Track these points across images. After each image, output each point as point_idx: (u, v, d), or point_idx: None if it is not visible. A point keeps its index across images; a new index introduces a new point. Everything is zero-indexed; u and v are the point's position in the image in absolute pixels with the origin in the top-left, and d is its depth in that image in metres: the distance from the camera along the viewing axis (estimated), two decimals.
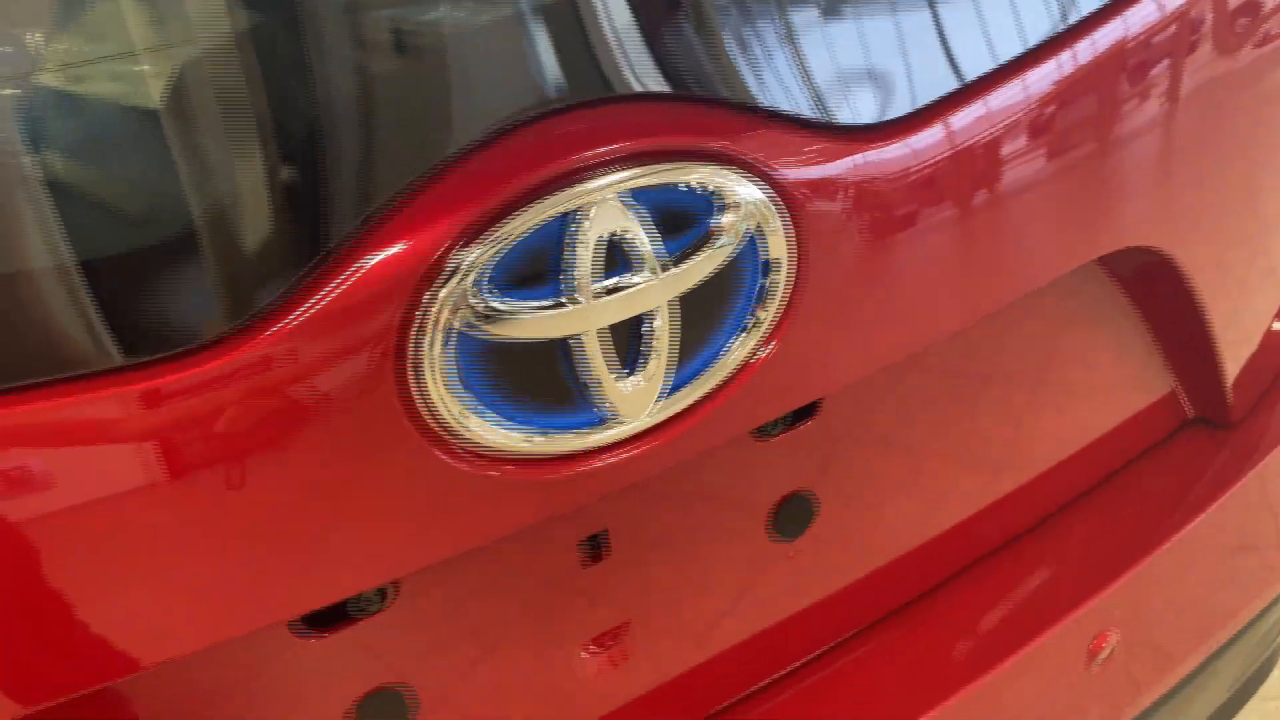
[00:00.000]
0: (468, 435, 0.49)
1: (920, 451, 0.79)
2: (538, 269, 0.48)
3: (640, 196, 0.48)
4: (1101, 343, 0.86)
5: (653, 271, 0.49)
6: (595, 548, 0.67)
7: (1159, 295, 0.83)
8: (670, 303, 0.50)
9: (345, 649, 0.60)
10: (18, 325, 0.41)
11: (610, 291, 0.49)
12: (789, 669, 0.78)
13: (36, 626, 0.45)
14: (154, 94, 0.41)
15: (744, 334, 0.53)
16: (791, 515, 0.74)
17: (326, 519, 0.48)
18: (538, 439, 0.51)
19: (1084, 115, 0.63)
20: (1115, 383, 0.89)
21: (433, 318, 0.46)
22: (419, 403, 0.47)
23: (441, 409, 0.48)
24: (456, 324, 0.46)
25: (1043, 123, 0.62)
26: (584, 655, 0.69)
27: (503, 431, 0.49)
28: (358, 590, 0.53)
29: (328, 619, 0.59)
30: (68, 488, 0.42)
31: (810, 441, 0.72)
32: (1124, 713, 0.93)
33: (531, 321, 0.48)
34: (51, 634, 0.45)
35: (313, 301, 0.44)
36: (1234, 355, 0.92)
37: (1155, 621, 0.93)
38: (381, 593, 0.60)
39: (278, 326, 0.44)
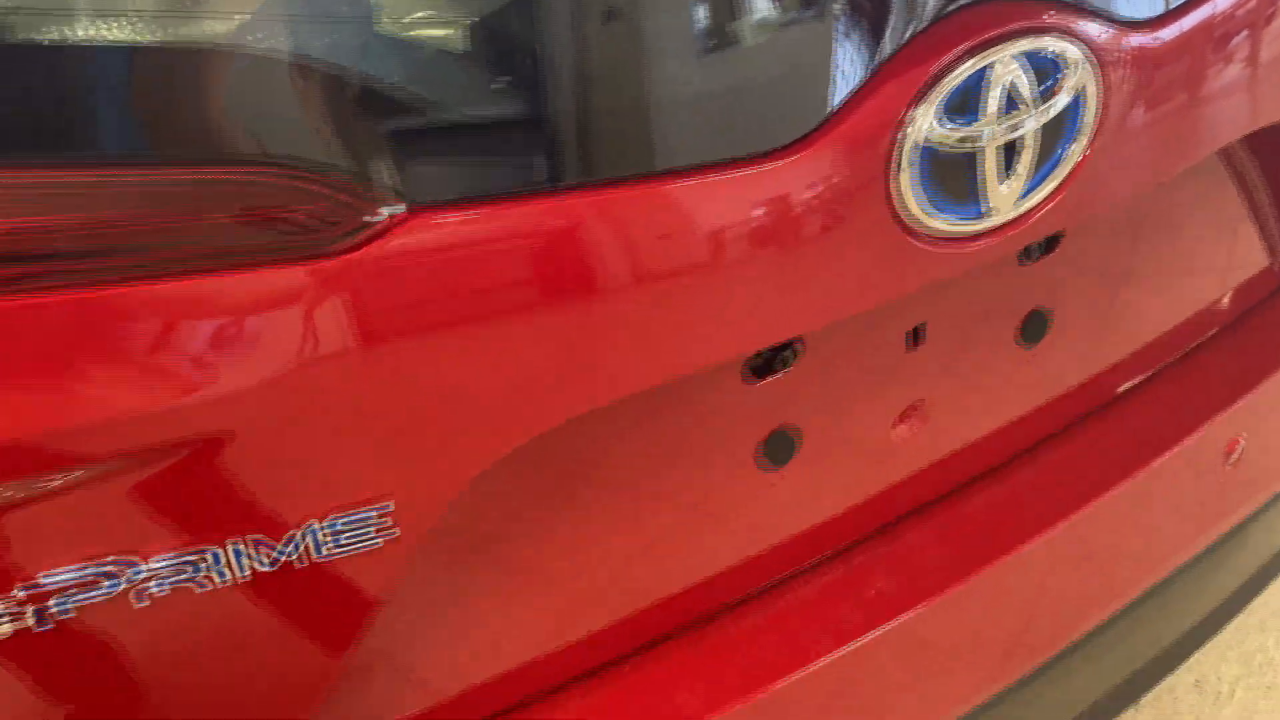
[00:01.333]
0: (915, 217, 0.75)
1: (1121, 283, 1.06)
2: (964, 104, 0.74)
3: (1023, 57, 0.75)
4: (1237, 209, 1.13)
5: (1030, 107, 0.76)
6: (916, 336, 0.93)
7: None
8: (1037, 128, 0.77)
9: (767, 395, 0.86)
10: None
11: (1003, 121, 0.75)
12: (1030, 446, 1.05)
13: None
14: None
15: (1069, 151, 0.80)
16: (1034, 326, 1.01)
17: (821, 271, 0.75)
18: (950, 224, 0.77)
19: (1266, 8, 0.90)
20: (1243, 243, 1.17)
21: (907, 135, 0.72)
22: (892, 192, 0.74)
23: (904, 198, 0.74)
24: (919, 140, 0.73)
25: (1239, 18, 0.89)
26: (899, 420, 0.96)
27: (933, 216, 0.76)
28: (819, 326, 0.79)
29: (758, 371, 0.85)
30: (697, 232, 0.69)
31: (1051, 267, 0.98)
32: (1249, 504, 1.20)
33: (959, 139, 0.74)
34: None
35: (844, 121, 0.71)
36: None
37: (1270, 436, 1.21)
38: (789, 355, 0.86)
39: (822, 139, 0.70)
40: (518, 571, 0.80)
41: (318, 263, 0.60)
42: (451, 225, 0.62)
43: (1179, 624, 1.25)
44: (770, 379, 0.85)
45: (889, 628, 0.92)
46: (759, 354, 0.83)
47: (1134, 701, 1.39)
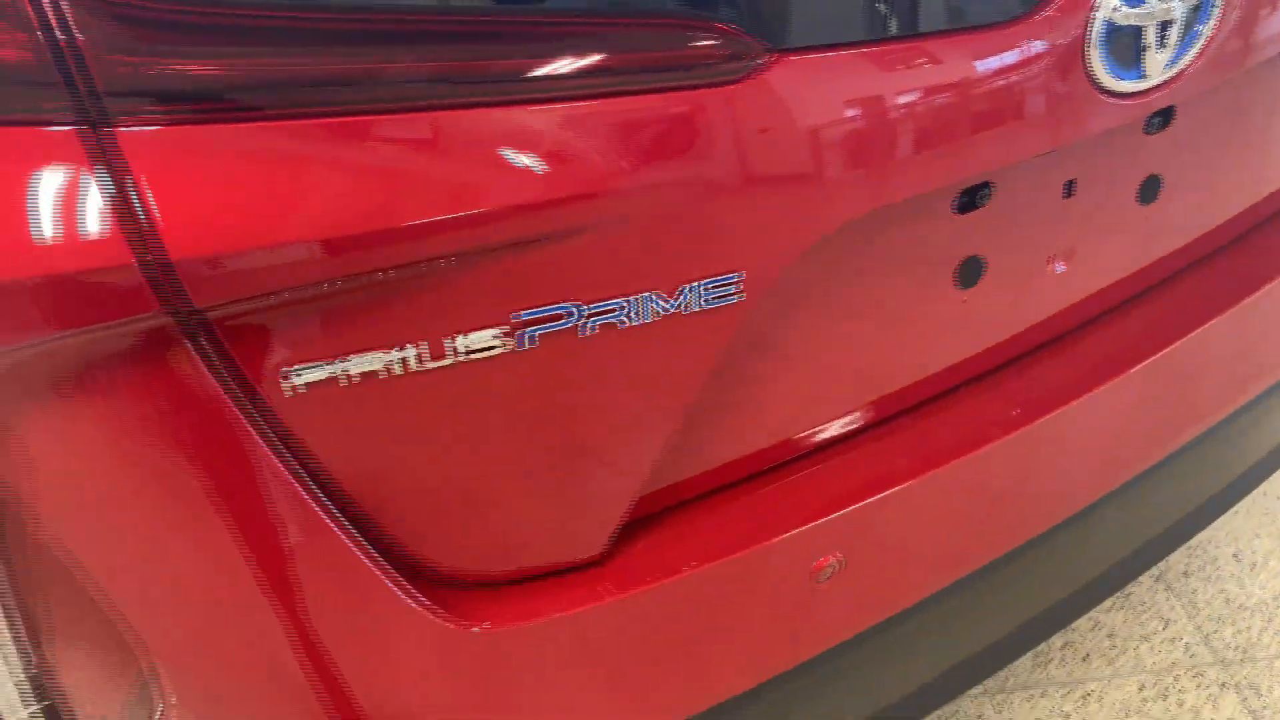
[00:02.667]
0: (1099, 77, 1.02)
1: (1218, 156, 1.33)
2: None
3: None
4: None
5: None
6: (1069, 189, 1.19)
7: None
8: (1184, 12, 1.04)
9: (967, 227, 1.12)
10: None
11: (1163, 3, 1.02)
12: (1143, 290, 1.32)
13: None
14: None
15: (1202, 30, 1.07)
16: (1150, 188, 1.27)
17: (1033, 112, 1.01)
18: (1121, 84, 1.04)
19: None
20: None
21: (1098, 13, 0.99)
22: (1087, 56, 1.00)
23: (1093, 61, 1.01)
24: (1106, 17, 0.99)
25: None
26: (1052, 259, 1.22)
27: (1110, 77, 1.03)
28: (1034, 153, 1.05)
29: (962, 207, 1.11)
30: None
31: (1166, 139, 1.25)
32: None
33: (1131, 15, 1.01)
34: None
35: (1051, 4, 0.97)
36: None
37: None
38: (985, 195, 1.12)
39: (1035, 17, 0.97)
40: (807, 341, 1.06)
41: (712, 90, 0.86)
42: (807, 64, 0.88)
43: (1247, 455, 1.52)
44: (971, 214, 1.11)
45: (1045, 420, 1.20)
46: (964, 192, 1.09)
47: (1190, 537, 1.66)
